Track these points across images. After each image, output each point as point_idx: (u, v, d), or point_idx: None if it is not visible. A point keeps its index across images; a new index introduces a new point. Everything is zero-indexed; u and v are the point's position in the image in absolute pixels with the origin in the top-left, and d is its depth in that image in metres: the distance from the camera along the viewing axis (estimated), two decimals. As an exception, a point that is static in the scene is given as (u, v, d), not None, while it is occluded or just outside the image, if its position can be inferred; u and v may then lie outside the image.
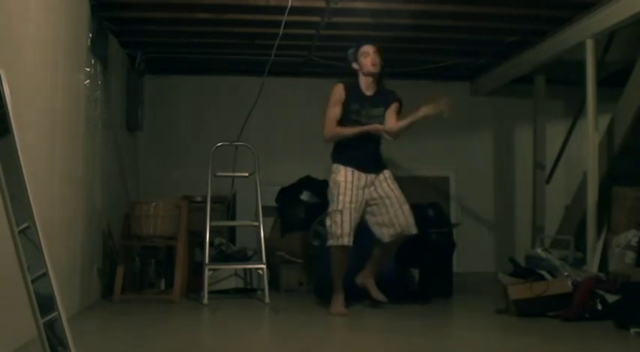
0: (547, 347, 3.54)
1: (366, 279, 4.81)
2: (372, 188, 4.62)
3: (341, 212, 4.51)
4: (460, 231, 6.77)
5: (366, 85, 4.69)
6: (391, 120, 4.62)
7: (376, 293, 4.79)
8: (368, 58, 4.64)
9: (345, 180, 4.56)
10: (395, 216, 4.61)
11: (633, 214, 5.06)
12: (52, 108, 3.88)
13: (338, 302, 4.62)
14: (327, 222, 4.60)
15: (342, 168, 4.59)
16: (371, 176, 4.63)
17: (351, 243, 4.55)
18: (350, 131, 4.59)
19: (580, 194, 5.83)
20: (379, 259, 4.80)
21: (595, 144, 5.12)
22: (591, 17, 4.96)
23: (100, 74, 5.14)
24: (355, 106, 4.63)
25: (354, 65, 4.69)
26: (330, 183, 4.62)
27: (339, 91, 4.63)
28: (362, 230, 4.67)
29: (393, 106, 4.67)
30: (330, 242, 4.58)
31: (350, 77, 4.77)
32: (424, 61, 6.70)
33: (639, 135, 5.34)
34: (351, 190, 4.55)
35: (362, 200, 4.59)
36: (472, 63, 6.68)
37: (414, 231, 4.66)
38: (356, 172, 4.58)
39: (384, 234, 4.62)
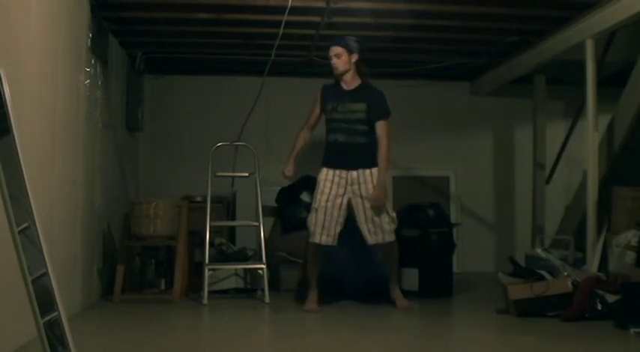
0: (547, 347, 3.54)
1: (393, 293, 4.87)
2: (356, 186, 4.66)
3: (316, 210, 4.65)
4: (460, 231, 6.78)
5: (346, 82, 4.76)
6: (379, 132, 4.69)
7: (400, 304, 4.82)
8: (331, 59, 4.73)
9: (325, 179, 4.68)
10: (371, 221, 4.68)
11: (633, 214, 5.06)
12: (52, 108, 3.89)
13: (311, 299, 4.74)
14: (308, 218, 4.74)
15: (324, 168, 4.72)
16: (354, 173, 4.66)
17: (324, 243, 4.67)
18: (293, 150, 4.86)
19: (580, 194, 5.83)
20: (388, 268, 4.87)
21: (595, 144, 5.12)
22: (591, 17, 4.96)
23: (100, 74, 5.14)
24: (329, 106, 4.75)
25: None
26: (317, 181, 4.77)
27: (318, 94, 4.85)
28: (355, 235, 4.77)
29: (381, 124, 4.69)
30: (309, 239, 4.72)
31: None
32: (424, 61, 6.70)
33: (639, 135, 5.34)
34: (330, 189, 4.65)
35: (342, 199, 4.66)
36: (472, 63, 6.68)
37: (386, 239, 4.72)
38: (337, 171, 4.66)
39: (364, 234, 4.72)
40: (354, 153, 4.68)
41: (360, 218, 4.67)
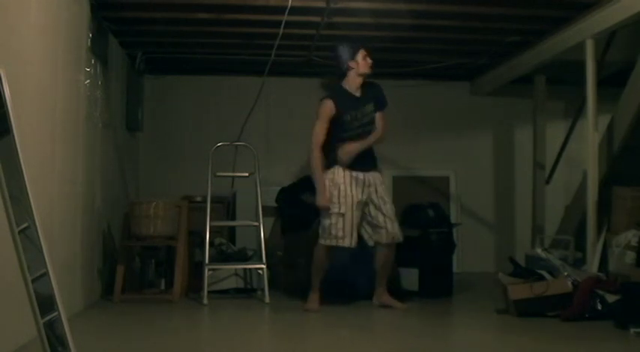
0: (547, 347, 3.54)
1: (382, 298, 4.84)
2: (372, 188, 4.70)
3: (343, 215, 4.60)
4: (460, 231, 6.78)
5: (356, 85, 4.76)
6: (378, 122, 4.74)
7: (399, 305, 4.81)
8: (366, 60, 4.73)
9: (345, 182, 4.64)
10: (390, 222, 4.70)
11: (633, 214, 5.06)
12: (52, 108, 3.89)
13: (313, 299, 4.74)
14: (326, 221, 4.64)
15: (341, 170, 4.66)
16: (369, 175, 4.70)
17: (353, 245, 4.66)
18: (317, 177, 4.66)
19: (580, 194, 5.83)
20: (382, 271, 4.84)
21: (595, 144, 5.12)
22: (591, 17, 4.96)
23: (100, 74, 5.14)
24: (347, 117, 4.69)
25: (352, 64, 4.73)
26: (328, 183, 4.66)
27: (329, 108, 4.68)
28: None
29: (380, 114, 4.75)
30: (327, 241, 4.65)
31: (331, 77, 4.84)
32: (424, 61, 6.70)
33: (639, 135, 5.34)
34: (352, 192, 4.63)
35: (362, 201, 4.66)
36: (472, 63, 6.68)
37: (400, 238, 4.75)
38: (354, 173, 4.65)
39: (373, 236, 4.70)
40: (369, 157, 4.74)
41: (380, 219, 4.67)
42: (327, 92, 4.82)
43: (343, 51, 4.78)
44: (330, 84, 4.85)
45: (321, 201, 4.64)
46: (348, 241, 4.62)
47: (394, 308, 4.77)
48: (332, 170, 4.67)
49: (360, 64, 4.71)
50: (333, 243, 4.63)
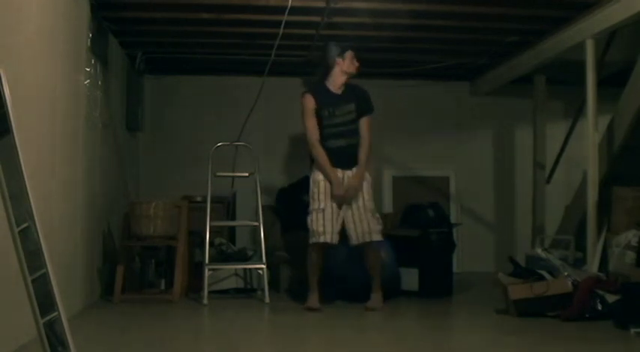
0: (547, 347, 3.54)
1: (375, 303, 4.80)
2: (350, 189, 4.69)
3: (323, 210, 4.64)
4: (460, 231, 6.78)
5: (338, 84, 4.80)
6: (363, 127, 4.76)
7: (374, 303, 4.77)
8: (353, 61, 4.79)
9: (325, 180, 4.67)
10: (359, 221, 4.69)
11: (633, 214, 5.06)
12: (52, 108, 3.89)
13: (312, 298, 4.74)
14: (309, 219, 4.69)
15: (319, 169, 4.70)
16: (349, 173, 4.72)
17: (334, 241, 4.67)
18: (323, 166, 4.65)
19: (580, 194, 5.83)
20: (372, 273, 4.82)
21: (595, 144, 5.12)
22: (591, 17, 4.96)
23: (100, 74, 5.14)
24: (325, 112, 4.74)
25: (338, 60, 4.77)
26: (311, 182, 4.74)
27: (310, 102, 4.74)
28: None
29: (366, 119, 4.77)
30: (312, 240, 4.69)
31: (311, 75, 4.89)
32: (424, 61, 6.70)
33: (639, 135, 5.34)
34: (331, 190, 4.66)
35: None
36: (472, 63, 6.68)
37: (374, 238, 4.71)
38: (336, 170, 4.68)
39: (350, 236, 4.72)
40: (353, 153, 4.74)
41: (354, 217, 4.68)
42: (306, 87, 4.84)
43: (333, 47, 4.83)
44: (311, 79, 4.88)
45: (337, 190, 4.63)
46: (329, 237, 4.64)
47: (389, 310, 4.76)
48: (313, 167, 4.73)
49: (347, 62, 4.76)
50: (315, 239, 4.66)
